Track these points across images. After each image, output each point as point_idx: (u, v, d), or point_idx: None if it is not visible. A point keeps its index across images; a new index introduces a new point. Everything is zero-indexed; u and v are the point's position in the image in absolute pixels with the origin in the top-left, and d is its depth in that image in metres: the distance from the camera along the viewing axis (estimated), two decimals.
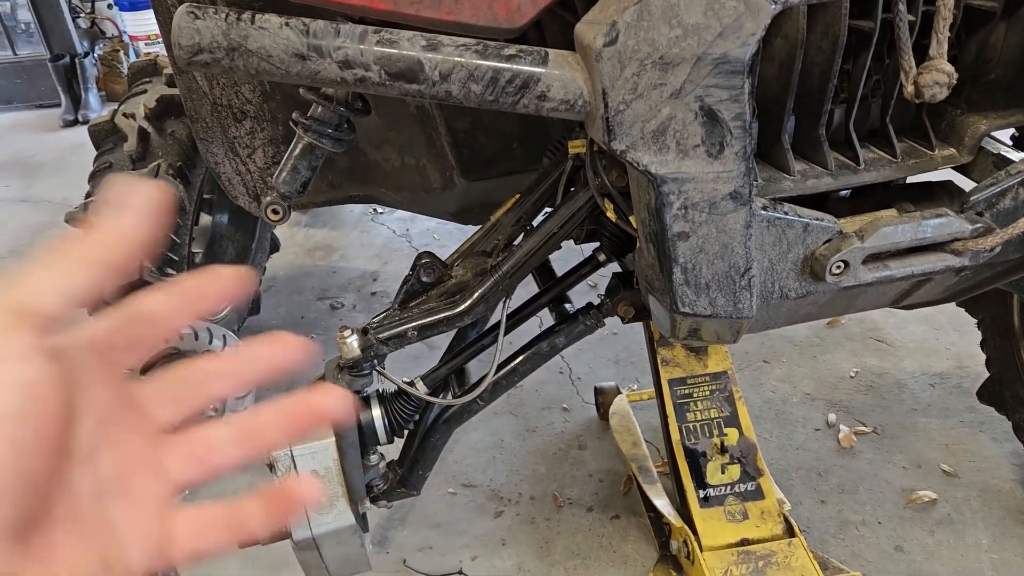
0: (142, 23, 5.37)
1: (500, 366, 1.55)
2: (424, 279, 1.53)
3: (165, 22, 1.72)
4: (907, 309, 1.38)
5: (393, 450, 1.74)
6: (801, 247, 1.09)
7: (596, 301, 1.64)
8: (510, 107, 0.99)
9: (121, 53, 5.19)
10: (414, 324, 1.50)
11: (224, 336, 2.55)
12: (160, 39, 5.40)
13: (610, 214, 1.30)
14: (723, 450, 1.98)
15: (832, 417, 2.46)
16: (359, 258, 3.48)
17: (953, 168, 1.29)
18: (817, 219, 1.08)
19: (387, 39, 0.98)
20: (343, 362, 1.54)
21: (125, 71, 5.22)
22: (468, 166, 1.77)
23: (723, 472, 1.95)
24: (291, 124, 1.42)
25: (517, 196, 1.60)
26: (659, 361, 2.02)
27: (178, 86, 1.86)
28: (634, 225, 1.31)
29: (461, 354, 1.65)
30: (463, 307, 1.47)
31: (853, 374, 2.64)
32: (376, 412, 1.58)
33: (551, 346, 1.59)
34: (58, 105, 5.18)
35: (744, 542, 1.87)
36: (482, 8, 1.02)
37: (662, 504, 2.05)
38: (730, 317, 1.09)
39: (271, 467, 1.56)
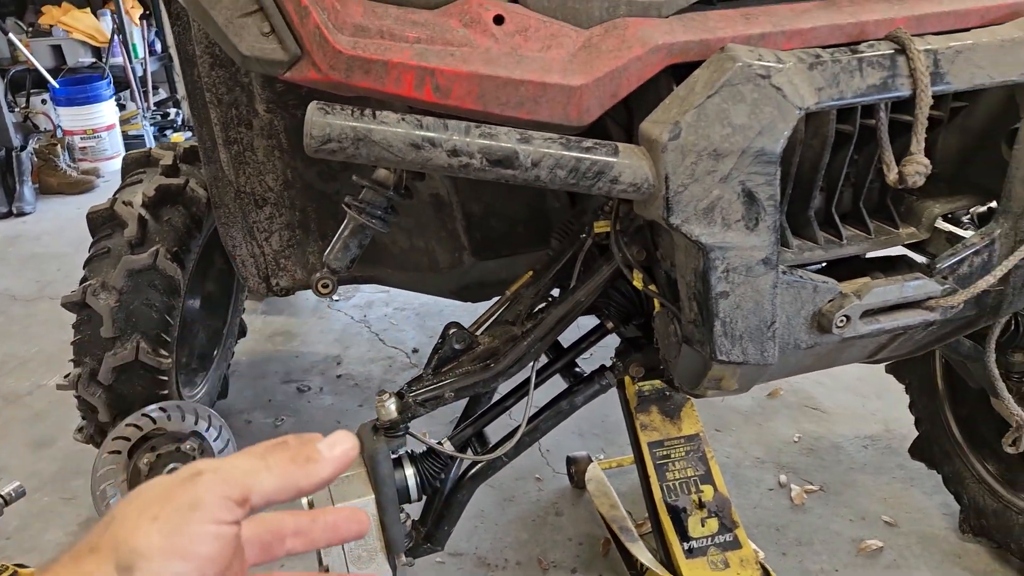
0: (78, 118, 5.43)
1: (529, 420, 1.72)
2: (456, 346, 1.70)
3: (196, 101, 1.88)
4: (879, 363, 1.63)
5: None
6: (811, 305, 1.33)
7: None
8: (586, 189, 1.21)
9: (59, 147, 5.21)
10: (451, 387, 1.66)
11: (209, 417, 2.61)
12: (96, 134, 5.45)
13: (636, 282, 1.52)
14: (701, 505, 2.17)
15: (783, 478, 2.70)
16: (320, 343, 3.58)
17: (906, 245, 1.57)
18: (824, 282, 1.33)
19: (488, 132, 1.18)
20: (380, 424, 1.67)
21: (62, 165, 5.23)
22: (479, 246, 1.97)
23: (703, 525, 2.14)
24: (344, 206, 1.59)
25: (530, 272, 1.80)
26: (638, 426, 2.22)
27: (205, 175, 2.01)
28: (654, 291, 1.53)
29: (483, 416, 1.81)
30: (498, 369, 1.64)
31: (796, 439, 2.90)
32: (409, 471, 1.71)
33: (570, 404, 1.78)
34: None
35: None
36: (557, 110, 1.25)
37: (648, 560, 2.22)
38: (757, 364, 1.31)
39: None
